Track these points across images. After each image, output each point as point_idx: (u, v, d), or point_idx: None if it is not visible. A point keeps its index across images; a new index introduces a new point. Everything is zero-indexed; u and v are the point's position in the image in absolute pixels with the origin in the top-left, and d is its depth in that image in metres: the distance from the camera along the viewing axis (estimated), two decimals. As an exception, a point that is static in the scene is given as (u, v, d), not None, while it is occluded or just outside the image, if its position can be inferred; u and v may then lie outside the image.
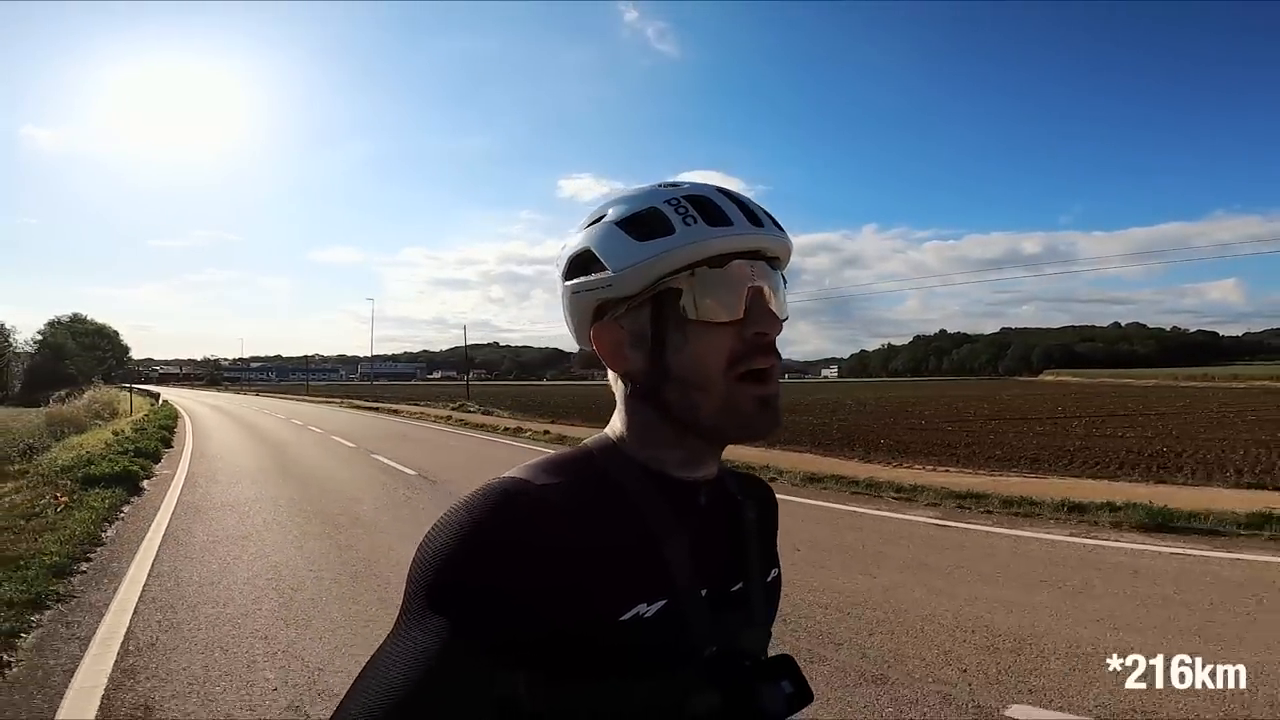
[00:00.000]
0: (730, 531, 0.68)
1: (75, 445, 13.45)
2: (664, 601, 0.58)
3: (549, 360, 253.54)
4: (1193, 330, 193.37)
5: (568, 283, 0.65)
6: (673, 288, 0.60)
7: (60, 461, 10.19)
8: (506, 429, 18.20)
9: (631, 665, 0.56)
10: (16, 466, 10.73)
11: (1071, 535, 5.87)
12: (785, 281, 0.66)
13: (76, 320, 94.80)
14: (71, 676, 3.25)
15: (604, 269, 0.61)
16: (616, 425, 0.66)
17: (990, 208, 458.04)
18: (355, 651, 3.46)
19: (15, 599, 4.07)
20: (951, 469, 9.85)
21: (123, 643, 3.64)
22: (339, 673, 3.24)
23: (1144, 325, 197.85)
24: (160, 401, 34.50)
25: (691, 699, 0.57)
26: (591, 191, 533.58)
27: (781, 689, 0.62)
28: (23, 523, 6.13)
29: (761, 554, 0.70)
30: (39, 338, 79.95)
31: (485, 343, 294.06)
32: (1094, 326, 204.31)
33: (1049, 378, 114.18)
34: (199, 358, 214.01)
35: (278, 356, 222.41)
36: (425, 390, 62.34)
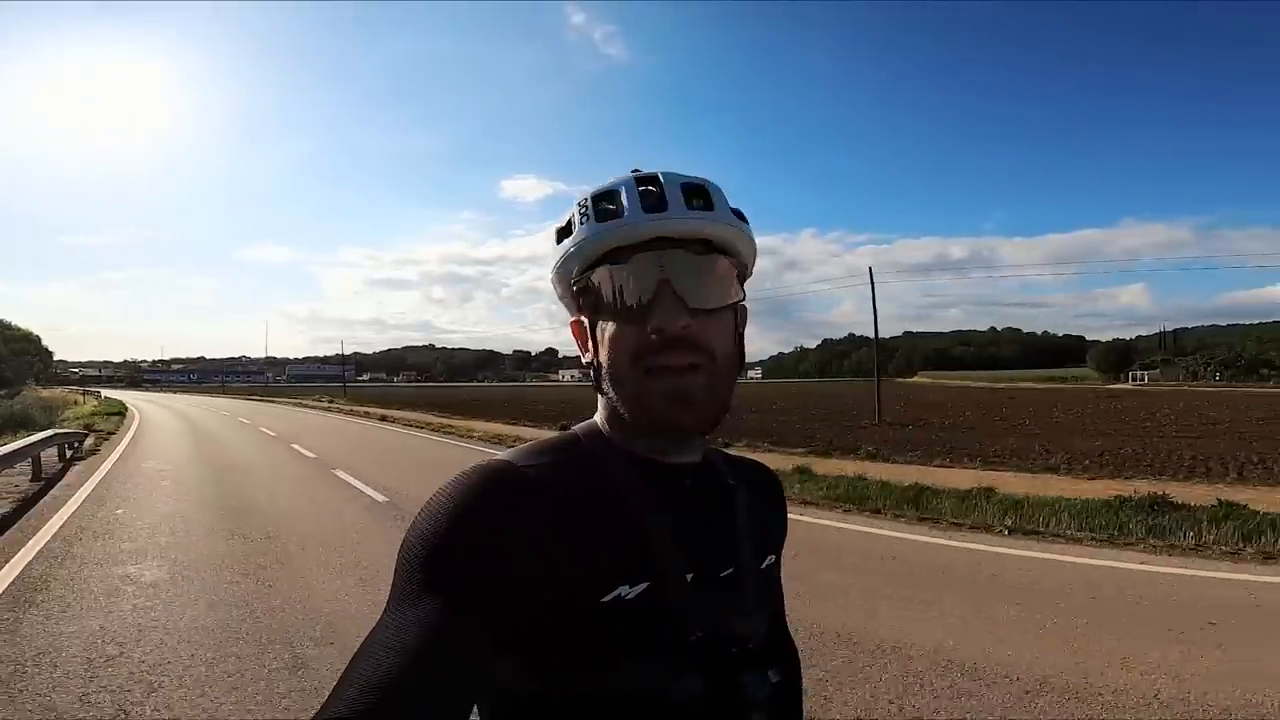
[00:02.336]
0: (720, 516, 0.68)
1: (78, 410, 27.21)
2: (646, 584, 0.59)
3: (483, 362, 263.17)
4: (1061, 335, 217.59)
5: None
6: (582, 286, 0.64)
7: (83, 412, 24.31)
8: (330, 409, 32.84)
9: (614, 646, 0.57)
10: (60, 416, 24.62)
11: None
12: (743, 268, 0.67)
13: (2, 325, 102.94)
14: (117, 446, 17.86)
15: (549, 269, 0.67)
16: (599, 411, 0.68)
17: (921, 212, 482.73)
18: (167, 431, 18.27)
19: (114, 431, 18.70)
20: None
21: (138, 425, 18.32)
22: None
23: (1019, 330, 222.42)
24: (103, 396, 47.20)
25: (674, 683, 0.58)
26: (534, 192, 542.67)
27: (767, 678, 0.63)
28: (96, 422, 20.54)
29: (756, 540, 0.70)
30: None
31: (423, 344, 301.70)
32: (974, 331, 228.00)
33: (920, 379, 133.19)
34: (117, 359, 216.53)
35: (201, 358, 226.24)
36: (328, 390, 75.60)
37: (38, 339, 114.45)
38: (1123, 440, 14.26)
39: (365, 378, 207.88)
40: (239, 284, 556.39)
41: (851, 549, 5.68)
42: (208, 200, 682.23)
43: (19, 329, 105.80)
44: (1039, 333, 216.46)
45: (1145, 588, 4.50)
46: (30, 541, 5.73)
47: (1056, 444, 13.27)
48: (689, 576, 0.62)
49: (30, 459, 9.36)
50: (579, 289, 0.64)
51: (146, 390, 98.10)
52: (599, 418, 0.68)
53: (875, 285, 22.97)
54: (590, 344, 0.65)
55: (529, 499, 0.58)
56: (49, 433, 11.46)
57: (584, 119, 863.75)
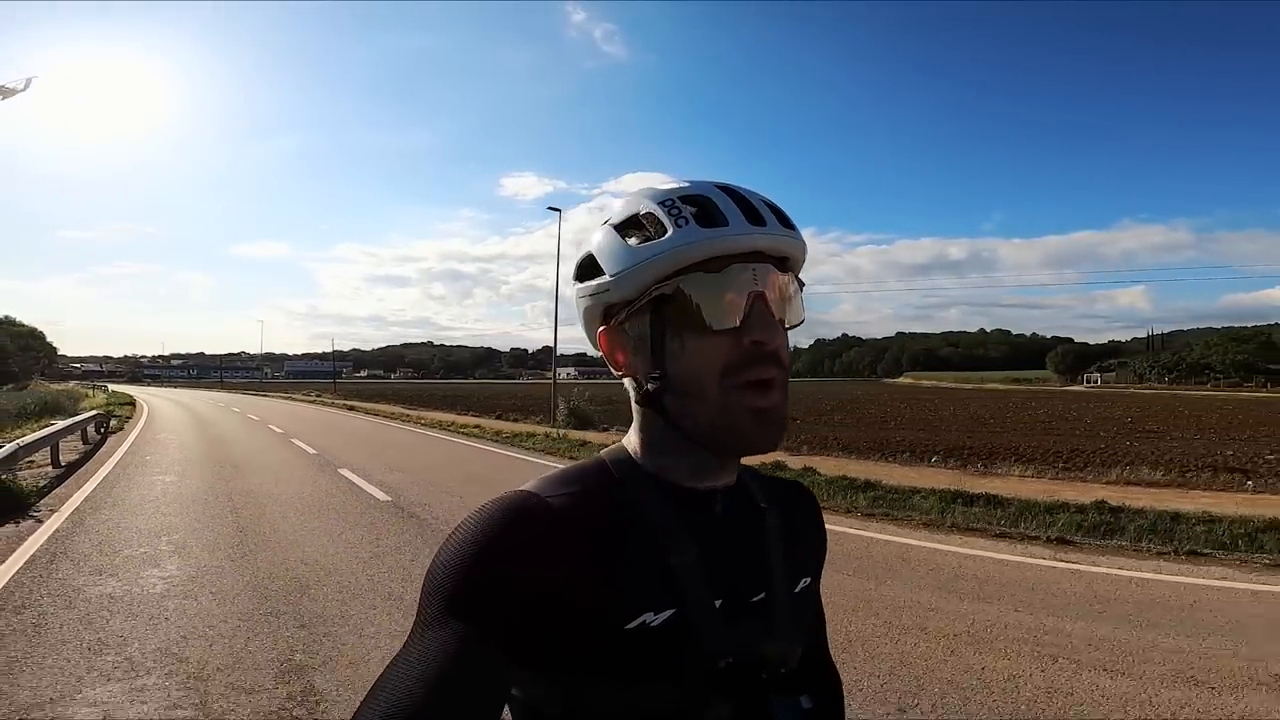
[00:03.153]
0: (751, 540, 0.67)
1: (92, 401, 31.79)
2: (672, 610, 0.59)
3: (480, 360, 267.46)
4: (1050, 336, 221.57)
5: (577, 286, 0.66)
6: (667, 293, 0.60)
7: (98, 403, 28.93)
8: (315, 402, 37.43)
9: (639, 672, 0.58)
10: (81, 405, 29.19)
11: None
12: (802, 284, 0.66)
13: (8, 322, 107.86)
14: (136, 425, 22.54)
15: (603, 273, 0.63)
16: (631, 434, 0.67)
17: (921, 213, 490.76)
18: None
19: (130, 416, 23.35)
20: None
21: (145, 418, 22.96)
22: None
23: (1009, 331, 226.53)
24: (110, 390, 51.81)
25: (703, 710, 0.59)
26: (534, 190, 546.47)
27: (799, 704, 0.63)
28: (114, 410, 25.17)
29: (789, 563, 0.69)
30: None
31: (421, 342, 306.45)
32: (963, 332, 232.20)
33: (905, 380, 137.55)
34: (116, 355, 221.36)
35: (200, 354, 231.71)
36: (324, 387, 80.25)
37: (42, 335, 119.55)
38: (941, 433, 17.22)
39: (363, 374, 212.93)
40: (236, 280, 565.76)
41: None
42: (204, 196, 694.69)
43: (23, 325, 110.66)
44: (1029, 334, 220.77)
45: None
46: (99, 471, 10.28)
47: (885, 436, 15.84)
48: (718, 603, 0.62)
49: (80, 430, 13.90)
50: (654, 296, 0.61)
51: (147, 385, 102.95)
52: (631, 441, 0.67)
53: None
54: (643, 358, 0.63)
55: (551, 530, 0.58)
56: (92, 413, 16.14)
57: (583, 117, 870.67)
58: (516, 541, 0.57)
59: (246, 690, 3.17)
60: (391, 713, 0.50)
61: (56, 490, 8.54)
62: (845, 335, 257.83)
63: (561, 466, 0.67)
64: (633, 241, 0.61)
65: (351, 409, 28.38)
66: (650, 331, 0.62)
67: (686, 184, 0.63)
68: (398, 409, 27.56)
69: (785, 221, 0.63)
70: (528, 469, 10.59)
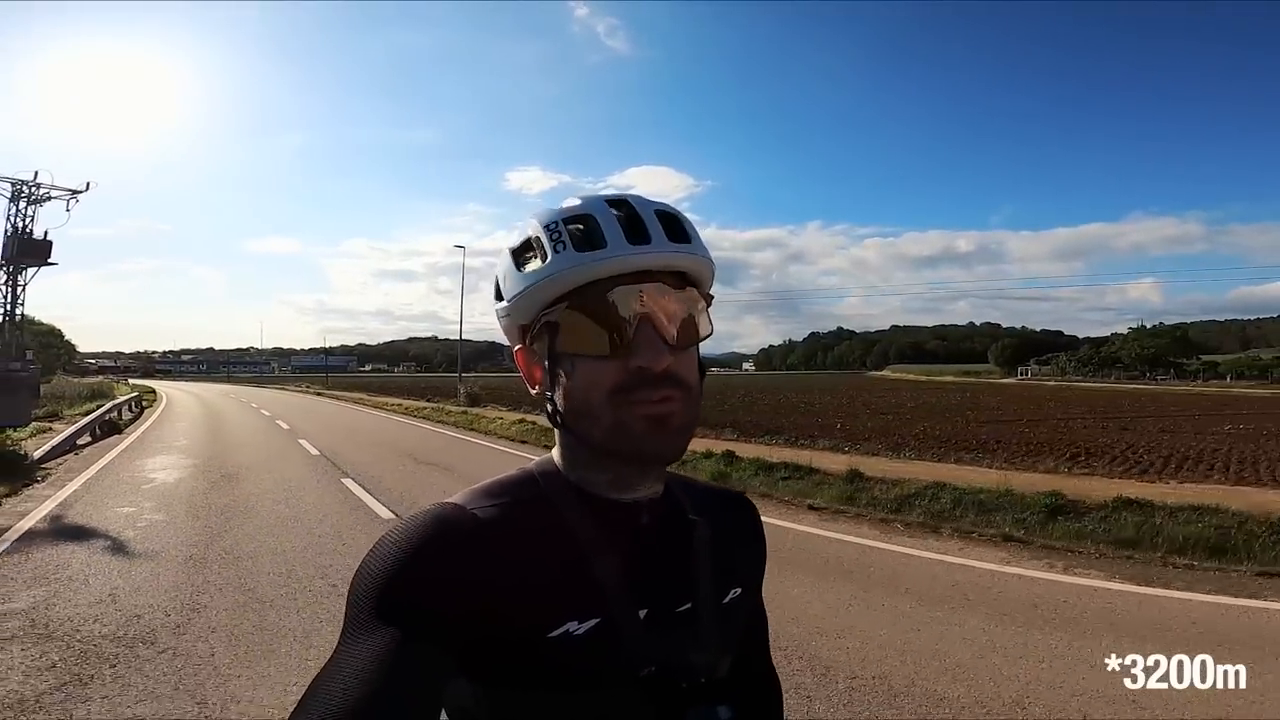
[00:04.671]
0: (677, 551, 0.69)
1: (119, 390, 40.09)
2: (596, 620, 0.61)
3: (483, 354, 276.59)
4: (1040, 330, 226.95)
5: (496, 305, 0.66)
6: (552, 320, 0.61)
7: (124, 392, 37.31)
8: (304, 393, 45.76)
9: (562, 681, 0.60)
10: (114, 393, 37.53)
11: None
12: (709, 299, 0.66)
13: (29, 321, 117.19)
14: (159, 406, 30.94)
15: (503, 297, 0.64)
16: (555, 448, 0.69)
17: (928, 205, 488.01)
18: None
19: (154, 400, 31.76)
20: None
21: (163, 406, 31.39)
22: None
23: (999, 325, 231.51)
24: (130, 382, 60.39)
25: (622, 717, 0.61)
26: (539, 184, 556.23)
27: (715, 713, 0.64)
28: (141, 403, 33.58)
29: (718, 573, 0.70)
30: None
31: (426, 336, 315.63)
32: (954, 326, 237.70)
33: (884, 373, 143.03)
34: (128, 350, 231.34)
35: (210, 349, 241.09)
36: (321, 380, 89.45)
37: (60, 333, 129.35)
38: (787, 417, 19.69)
39: (367, 368, 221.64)
40: (247, 275, 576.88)
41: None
42: (215, 192, 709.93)
43: (43, 323, 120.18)
44: (1019, 327, 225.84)
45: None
46: (144, 427, 18.49)
47: (741, 419, 17.48)
48: (642, 613, 0.63)
49: (128, 404, 22.12)
50: (544, 322, 0.62)
51: (160, 379, 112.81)
52: (555, 452, 0.69)
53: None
54: (545, 377, 0.64)
55: (475, 542, 0.60)
56: (132, 395, 24.51)
57: (588, 112, 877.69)
58: (438, 554, 0.59)
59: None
60: (328, 716, 0.51)
61: (132, 426, 17.02)
62: (840, 328, 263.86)
63: (487, 480, 0.68)
64: (524, 267, 0.62)
65: (319, 395, 36.72)
66: (547, 355, 0.63)
67: (577, 202, 0.63)
68: (363, 396, 35.73)
69: (678, 236, 0.63)
70: (392, 425, 18.86)
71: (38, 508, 7.27)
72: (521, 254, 0.63)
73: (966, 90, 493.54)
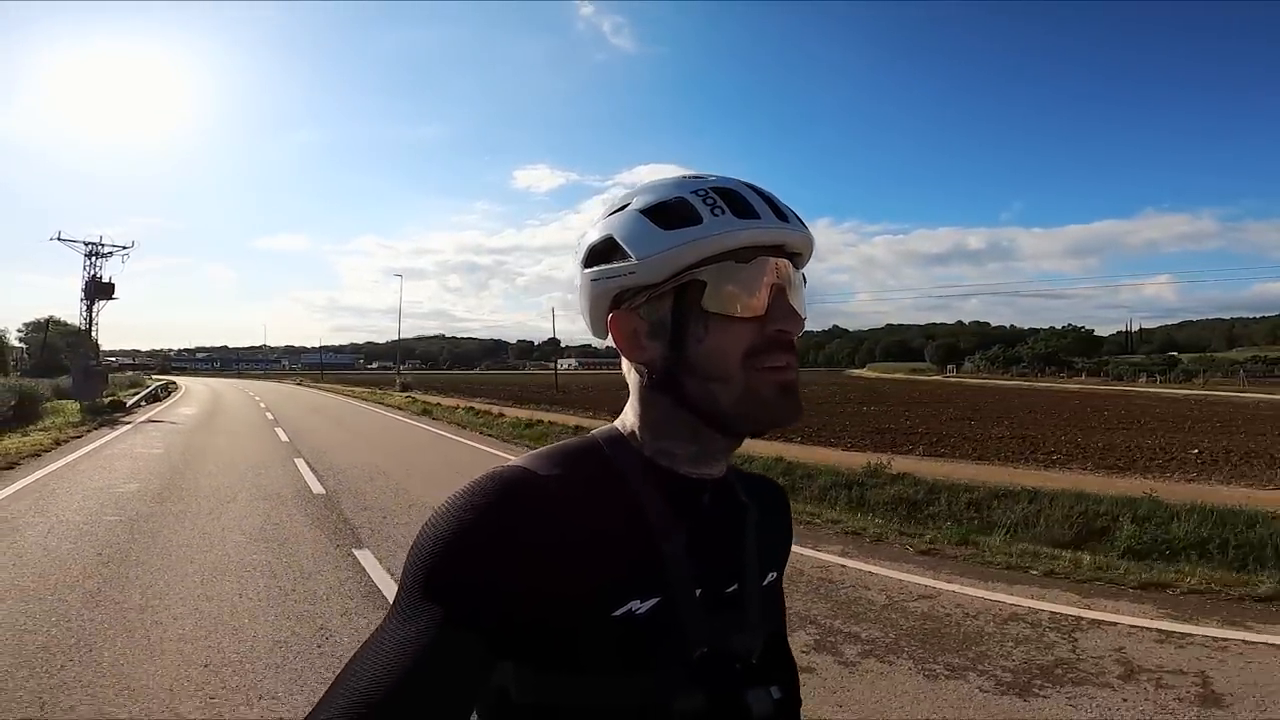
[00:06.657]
0: (731, 532, 0.70)
1: (147, 382, 51.05)
2: (657, 599, 0.61)
3: (488, 351, 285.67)
4: (1027, 329, 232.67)
5: (587, 270, 0.67)
6: (697, 279, 0.62)
7: (155, 382, 48.40)
8: (299, 386, 56.91)
9: (621, 661, 0.59)
10: (146, 383, 48.38)
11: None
12: (805, 280, 0.69)
13: (54, 322, 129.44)
14: (182, 391, 41.86)
15: (627, 257, 0.64)
16: (629, 417, 0.69)
17: (938, 202, 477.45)
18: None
19: (177, 388, 42.81)
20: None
21: (183, 392, 42.48)
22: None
23: (987, 324, 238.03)
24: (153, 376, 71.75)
25: (678, 699, 0.60)
26: (547, 182, 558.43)
27: (770, 694, 0.66)
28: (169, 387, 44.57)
29: (761, 557, 0.72)
30: (19, 335, 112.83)
31: (433, 335, 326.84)
32: (942, 325, 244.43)
33: (863, 371, 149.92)
34: (144, 349, 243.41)
35: (224, 347, 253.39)
36: (326, 377, 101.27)
37: (85, 333, 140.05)
38: None
39: (374, 365, 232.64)
40: (258, 273, 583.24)
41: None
42: (225, 190, 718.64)
43: (68, 324, 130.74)
44: (1008, 326, 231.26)
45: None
46: (174, 398, 29.63)
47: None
48: (698, 593, 0.64)
49: (161, 387, 32.99)
50: (685, 281, 0.63)
51: (175, 375, 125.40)
52: (627, 424, 0.69)
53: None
54: (659, 341, 0.64)
55: (544, 509, 0.59)
56: (163, 381, 35.75)
57: (595, 109, 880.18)
58: (504, 521, 0.57)
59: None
60: (357, 700, 0.51)
61: (166, 399, 28.04)
62: (835, 326, 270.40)
63: (546, 447, 0.67)
64: (664, 227, 0.63)
65: (304, 386, 47.78)
66: (671, 316, 0.64)
67: (712, 176, 0.66)
68: (343, 387, 46.07)
69: (801, 220, 0.66)
70: (332, 402, 29.95)
71: (140, 415, 18.55)
72: (656, 215, 0.64)
73: (977, 85, 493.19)
